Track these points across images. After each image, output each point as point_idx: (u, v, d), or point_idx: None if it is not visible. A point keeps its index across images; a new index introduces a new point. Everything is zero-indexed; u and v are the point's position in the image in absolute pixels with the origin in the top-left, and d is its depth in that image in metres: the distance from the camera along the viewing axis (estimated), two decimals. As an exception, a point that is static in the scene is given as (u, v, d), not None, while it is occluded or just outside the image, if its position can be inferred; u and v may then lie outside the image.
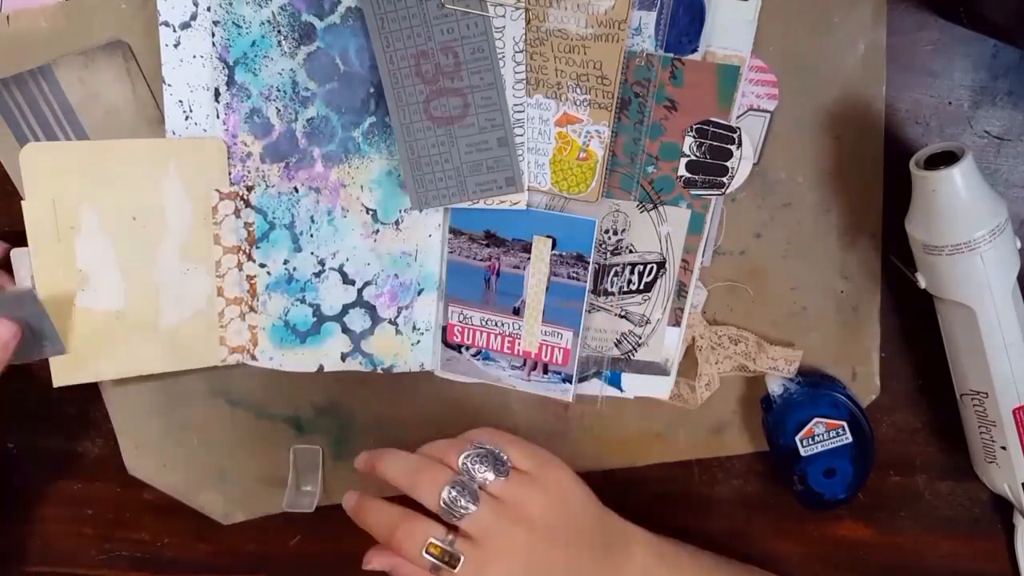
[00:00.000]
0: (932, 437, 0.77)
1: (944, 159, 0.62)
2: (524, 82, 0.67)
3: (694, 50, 0.65)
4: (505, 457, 0.64)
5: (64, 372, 0.71)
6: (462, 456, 0.63)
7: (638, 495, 0.80)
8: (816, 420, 0.72)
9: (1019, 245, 0.65)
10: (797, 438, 0.72)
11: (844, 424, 0.72)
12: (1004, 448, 0.69)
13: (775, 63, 0.66)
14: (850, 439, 0.72)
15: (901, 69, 0.68)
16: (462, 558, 0.61)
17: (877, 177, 0.70)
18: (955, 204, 0.61)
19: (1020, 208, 0.70)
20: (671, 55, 0.65)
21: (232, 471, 0.81)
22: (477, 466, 0.63)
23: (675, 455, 0.79)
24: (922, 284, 0.66)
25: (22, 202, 0.67)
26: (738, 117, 0.67)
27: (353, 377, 0.77)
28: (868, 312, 0.73)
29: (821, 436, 0.72)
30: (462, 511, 0.61)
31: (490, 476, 0.63)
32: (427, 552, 0.61)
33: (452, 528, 0.62)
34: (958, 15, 0.64)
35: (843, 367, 0.75)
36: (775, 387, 0.74)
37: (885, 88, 0.67)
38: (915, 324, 0.73)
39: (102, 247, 0.69)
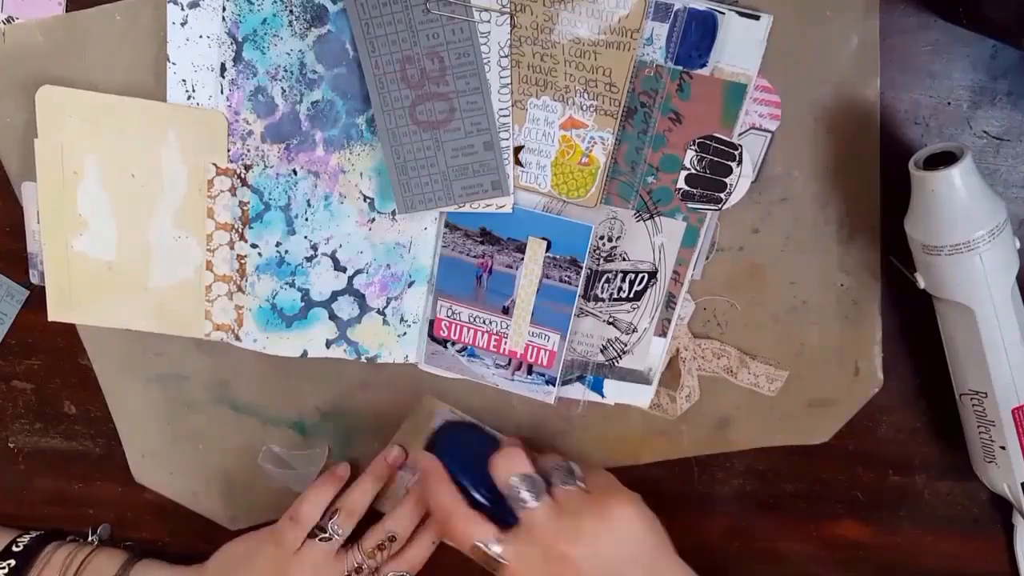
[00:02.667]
0: (931, 437, 0.77)
1: (943, 159, 0.62)
2: (509, 86, 0.67)
3: (703, 65, 0.66)
4: (578, 472, 0.69)
5: (58, 308, 0.73)
6: (549, 461, 0.70)
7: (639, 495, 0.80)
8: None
9: (1018, 245, 0.65)
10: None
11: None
12: (1003, 448, 0.69)
13: (767, 58, 0.66)
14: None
15: (900, 69, 0.68)
16: (502, 561, 0.66)
17: (874, 170, 0.70)
18: (954, 204, 0.62)
19: (1020, 208, 0.71)
20: (680, 68, 0.66)
21: (238, 477, 0.81)
22: (553, 470, 0.69)
23: (678, 452, 0.79)
24: (921, 284, 0.67)
25: (35, 140, 0.68)
26: (740, 135, 0.68)
27: (355, 380, 0.77)
28: (869, 306, 0.74)
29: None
30: (521, 503, 0.66)
31: (556, 479, 0.68)
32: (472, 553, 0.67)
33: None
34: (958, 15, 0.64)
35: (845, 361, 0.75)
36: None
37: (879, 80, 0.68)
38: (914, 324, 0.74)
39: (101, 197, 0.71)
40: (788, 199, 0.71)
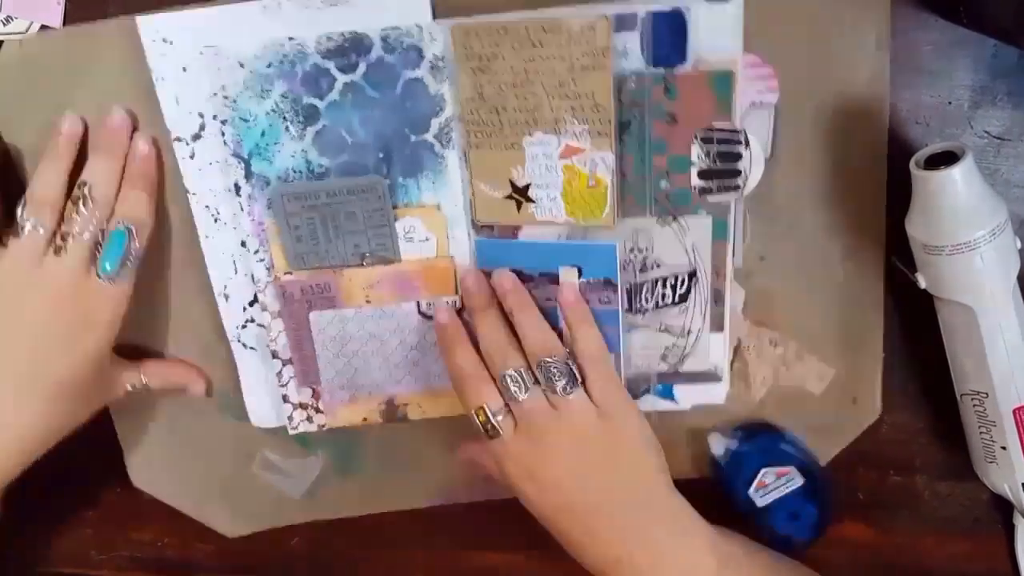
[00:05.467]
0: (932, 437, 0.78)
1: (944, 159, 0.62)
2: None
3: (683, 60, 0.65)
4: (579, 377, 0.67)
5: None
6: (540, 358, 0.67)
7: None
8: (764, 470, 0.74)
9: (1019, 245, 0.65)
10: (750, 492, 0.74)
11: (792, 468, 0.74)
12: (1004, 448, 0.70)
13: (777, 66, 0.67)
14: (802, 480, 0.74)
15: (901, 69, 0.68)
16: (500, 433, 0.66)
17: (880, 201, 0.70)
18: (955, 204, 0.62)
19: (1020, 208, 0.71)
20: (661, 70, 0.66)
21: (238, 485, 0.82)
22: (550, 370, 0.66)
23: (675, 466, 0.78)
24: (922, 284, 0.67)
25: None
26: (742, 116, 0.67)
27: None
28: (871, 336, 0.74)
29: (772, 484, 0.74)
30: (512, 396, 0.66)
31: (559, 384, 0.66)
32: (475, 414, 0.67)
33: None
34: (958, 15, 0.64)
35: (845, 390, 0.76)
36: (718, 448, 0.76)
37: (888, 113, 0.68)
38: (915, 324, 0.74)
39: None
40: (794, 228, 0.71)
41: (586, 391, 0.66)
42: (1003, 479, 0.71)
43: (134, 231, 0.68)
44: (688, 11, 0.64)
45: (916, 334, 0.74)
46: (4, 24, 0.69)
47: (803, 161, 0.70)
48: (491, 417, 0.66)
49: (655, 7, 0.64)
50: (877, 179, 0.70)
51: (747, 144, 0.67)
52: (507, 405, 0.67)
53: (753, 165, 0.68)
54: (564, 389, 0.65)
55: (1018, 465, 0.69)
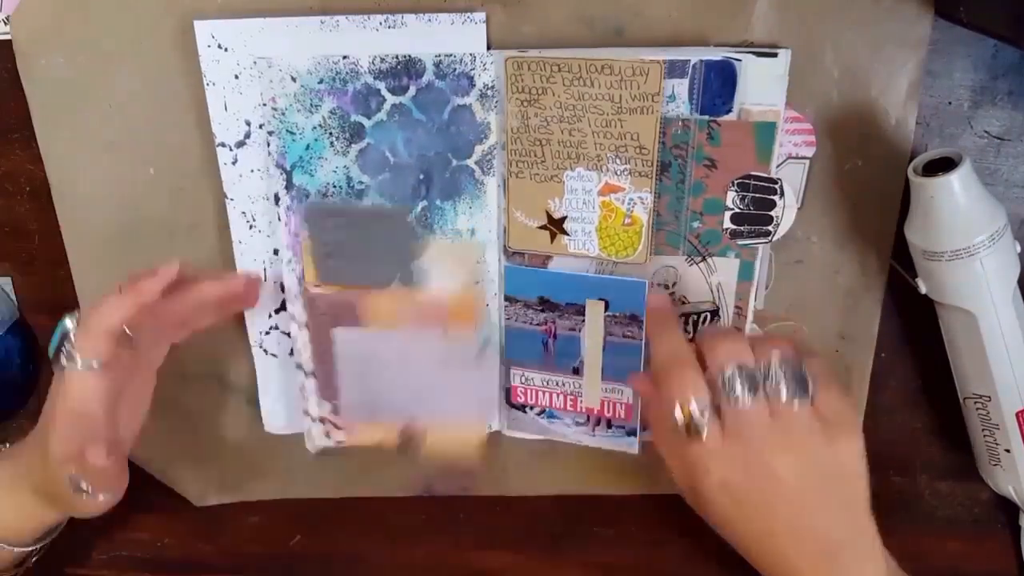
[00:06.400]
0: (932, 438, 0.78)
1: (942, 165, 0.63)
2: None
3: (729, 111, 0.66)
4: (810, 386, 0.60)
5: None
6: (775, 358, 0.60)
7: (639, 495, 0.82)
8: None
9: (1019, 249, 0.66)
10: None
11: None
12: (1008, 451, 0.70)
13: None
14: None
15: (901, 70, 0.67)
16: (704, 434, 0.59)
17: (887, 245, 0.71)
18: (954, 210, 0.62)
19: (1020, 208, 0.71)
20: (707, 117, 0.66)
21: (212, 454, 0.82)
22: (780, 374, 0.60)
23: (654, 488, 0.81)
24: (923, 289, 0.67)
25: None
26: (778, 166, 0.68)
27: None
28: (860, 373, 0.75)
29: None
30: (735, 396, 0.59)
31: (784, 389, 0.59)
32: (679, 406, 0.59)
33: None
34: (958, 15, 0.63)
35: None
36: None
37: (907, 162, 0.67)
38: (915, 324, 0.74)
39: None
40: (803, 262, 0.72)
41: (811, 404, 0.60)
42: (1008, 482, 0.72)
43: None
44: (738, 63, 0.64)
45: (916, 335, 0.74)
46: (4, 23, 0.68)
47: (827, 211, 0.70)
48: (697, 414, 0.59)
49: (707, 57, 0.64)
50: (888, 223, 0.70)
51: (782, 193, 0.68)
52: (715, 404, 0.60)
53: (786, 213, 0.68)
54: (792, 398, 0.59)
55: (1022, 467, 0.70)
